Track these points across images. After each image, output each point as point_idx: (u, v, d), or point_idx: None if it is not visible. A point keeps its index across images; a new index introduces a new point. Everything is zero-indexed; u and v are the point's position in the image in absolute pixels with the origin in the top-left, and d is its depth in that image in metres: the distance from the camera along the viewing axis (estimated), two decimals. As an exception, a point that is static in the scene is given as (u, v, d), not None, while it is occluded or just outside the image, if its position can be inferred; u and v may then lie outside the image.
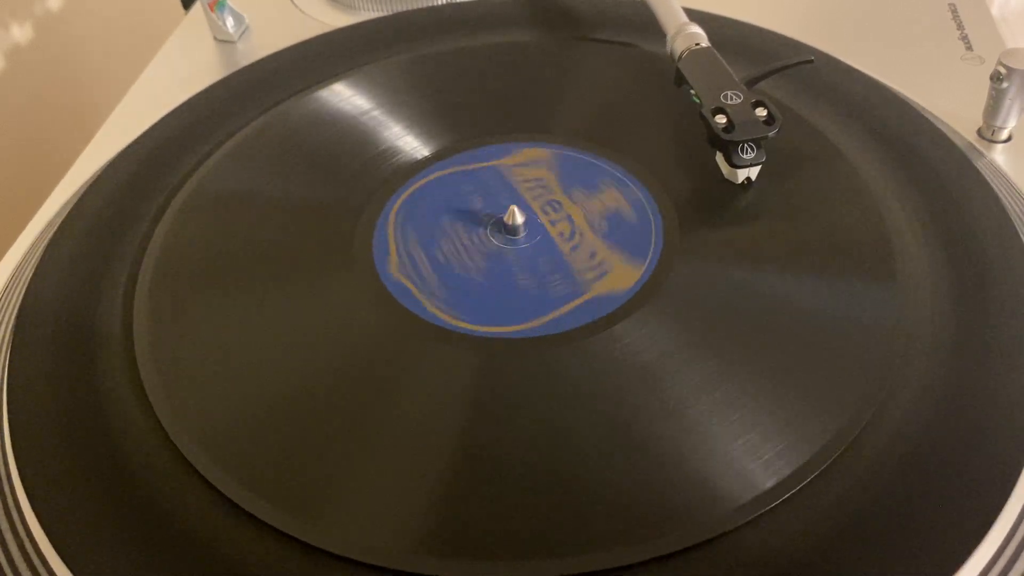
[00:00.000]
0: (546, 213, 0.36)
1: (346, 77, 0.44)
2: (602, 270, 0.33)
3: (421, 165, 0.39)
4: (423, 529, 0.26)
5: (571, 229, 0.35)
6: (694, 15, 0.43)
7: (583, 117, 0.41)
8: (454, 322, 0.32)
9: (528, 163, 0.38)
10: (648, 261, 0.33)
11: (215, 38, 0.52)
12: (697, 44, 0.39)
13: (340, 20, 0.52)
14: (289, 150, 0.40)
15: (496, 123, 0.41)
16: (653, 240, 0.33)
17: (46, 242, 0.37)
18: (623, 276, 0.33)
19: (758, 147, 0.35)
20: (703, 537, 0.26)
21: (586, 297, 0.32)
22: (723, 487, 0.26)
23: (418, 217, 0.36)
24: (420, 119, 0.41)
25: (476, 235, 0.36)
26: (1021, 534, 0.26)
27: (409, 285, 0.33)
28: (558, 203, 0.36)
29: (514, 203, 0.35)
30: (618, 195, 0.36)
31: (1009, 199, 0.36)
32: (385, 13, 0.51)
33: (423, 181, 0.38)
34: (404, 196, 0.37)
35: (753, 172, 0.36)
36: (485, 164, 0.38)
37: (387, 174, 0.39)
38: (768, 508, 0.26)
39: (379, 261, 0.35)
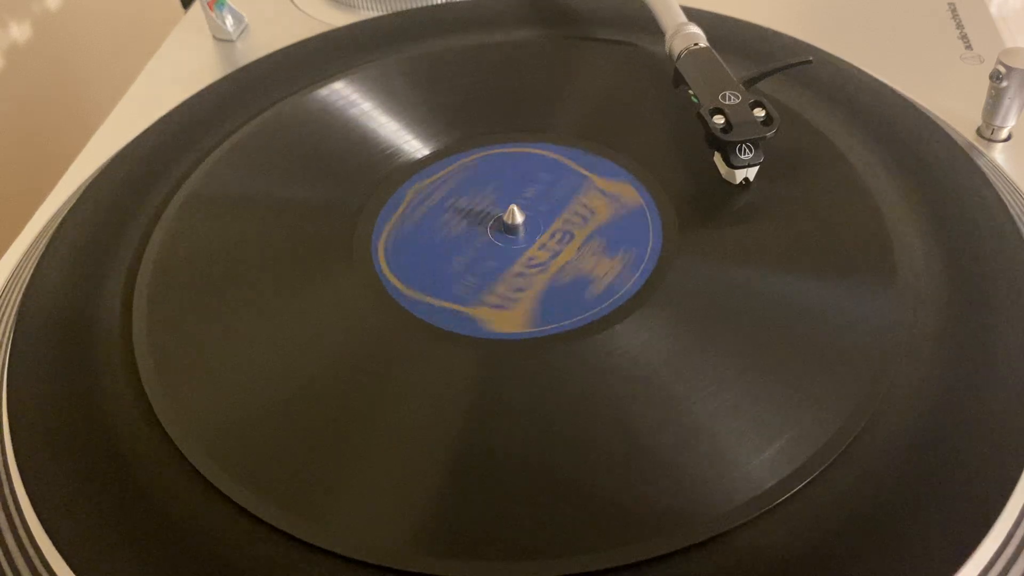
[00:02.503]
0: (552, 237, 0.35)
1: (346, 76, 0.44)
2: (506, 304, 0.33)
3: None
4: (423, 529, 0.26)
5: (543, 261, 0.34)
6: (693, 14, 0.43)
7: (583, 116, 0.41)
8: (404, 290, 0.32)
9: (609, 194, 0.37)
10: (535, 330, 0.31)
11: (214, 37, 0.52)
12: (696, 44, 0.39)
13: (340, 19, 0.52)
14: (288, 149, 0.40)
15: (496, 123, 0.41)
16: (565, 321, 0.32)
17: (46, 241, 0.37)
18: (509, 321, 0.32)
19: (756, 147, 0.35)
20: (703, 537, 0.26)
21: (465, 309, 0.32)
22: (723, 487, 0.26)
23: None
24: (420, 119, 0.41)
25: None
26: (1021, 534, 0.26)
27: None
28: (571, 237, 0.35)
29: (555, 214, 0.35)
30: (614, 271, 0.33)
31: (1009, 198, 0.36)
32: (385, 12, 0.51)
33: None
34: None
35: (751, 172, 0.36)
36: (577, 168, 0.38)
37: (387, 174, 0.39)
38: (768, 508, 0.26)
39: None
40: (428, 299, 0.33)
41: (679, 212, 0.36)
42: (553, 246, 0.35)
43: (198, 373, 0.31)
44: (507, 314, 0.32)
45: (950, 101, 0.42)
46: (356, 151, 0.40)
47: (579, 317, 0.32)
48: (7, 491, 0.29)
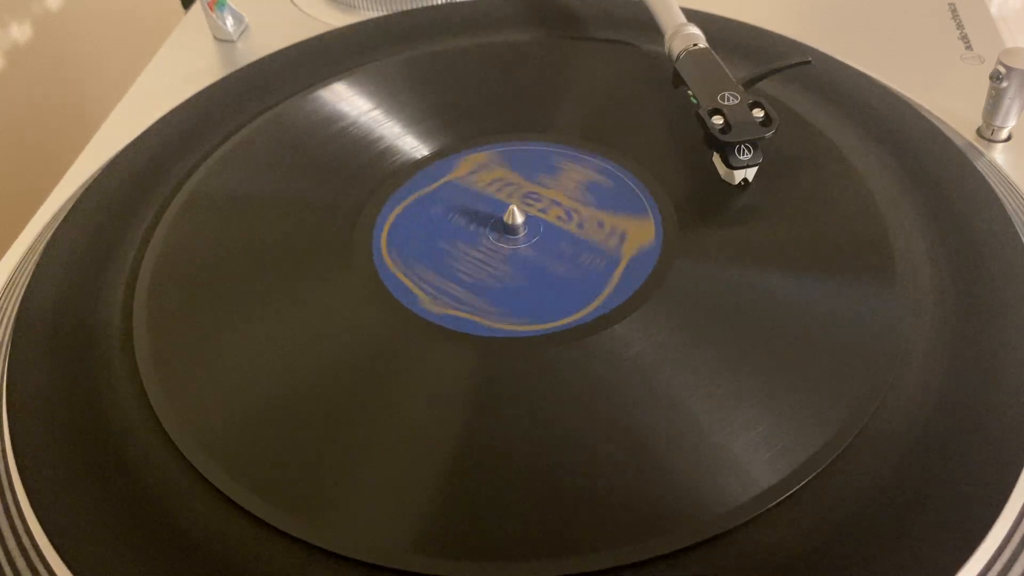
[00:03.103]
0: (530, 205, 0.36)
1: (346, 77, 0.44)
2: (620, 234, 0.34)
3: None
4: (423, 529, 0.26)
5: (564, 211, 0.35)
6: (693, 15, 0.43)
7: (583, 116, 0.41)
8: (507, 327, 0.32)
9: (477, 169, 0.38)
10: (652, 211, 0.33)
11: (215, 38, 0.52)
12: (695, 45, 0.39)
13: (340, 20, 0.52)
14: (289, 150, 0.40)
15: (496, 123, 0.41)
16: (642, 196, 0.34)
17: (46, 242, 0.37)
18: (642, 232, 0.33)
19: (755, 148, 0.35)
20: (703, 537, 0.26)
21: (624, 263, 0.32)
22: (723, 486, 0.26)
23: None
24: (420, 119, 0.41)
25: (476, 227, 0.36)
26: (1021, 534, 0.26)
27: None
28: (535, 194, 0.36)
29: (493, 208, 0.36)
30: (580, 168, 0.36)
31: (1009, 198, 0.36)
32: (385, 13, 0.52)
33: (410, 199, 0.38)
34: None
35: (750, 173, 0.36)
36: (440, 182, 0.38)
37: (387, 174, 0.39)
38: (768, 507, 0.26)
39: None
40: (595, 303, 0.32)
41: (679, 212, 0.36)
42: (558, 210, 0.36)
43: (198, 373, 0.31)
44: (632, 233, 0.33)
45: (950, 101, 0.42)
46: (356, 151, 0.40)
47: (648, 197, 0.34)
48: (7, 492, 0.29)
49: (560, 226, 0.35)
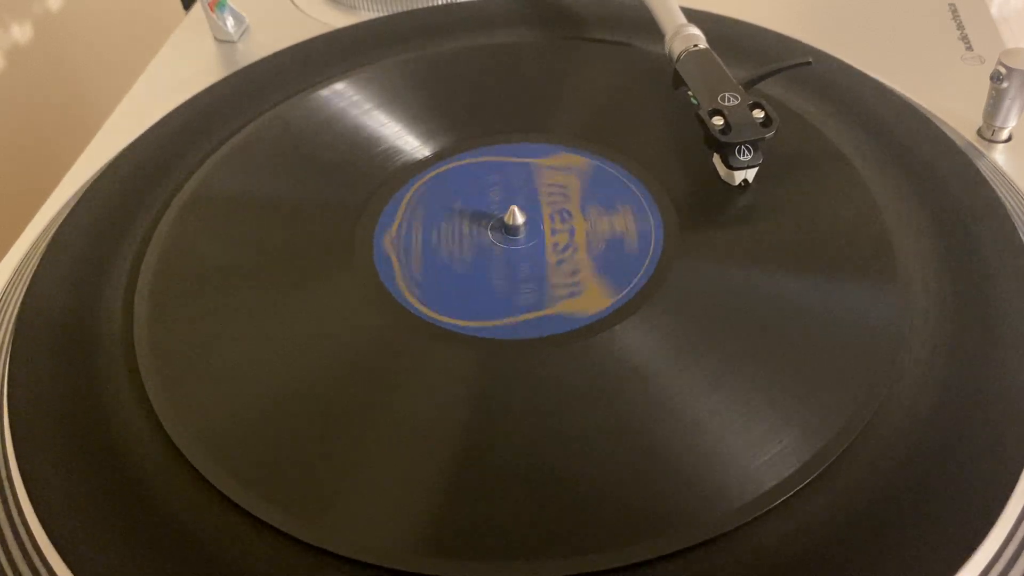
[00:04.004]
0: (552, 220, 0.36)
1: (347, 77, 0.44)
2: (575, 290, 0.33)
3: (443, 154, 0.39)
4: (424, 529, 0.26)
5: (567, 242, 0.35)
6: (694, 15, 0.43)
7: (584, 117, 0.41)
8: (418, 306, 0.32)
9: (561, 168, 0.38)
10: (622, 295, 0.32)
11: (215, 38, 0.52)
12: (695, 45, 0.39)
13: (340, 20, 0.52)
14: (290, 151, 0.40)
15: (496, 123, 0.41)
16: (639, 274, 0.33)
17: (47, 242, 0.37)
18: (591, 301, 0.32)
19: (755, 149, 0.35)
20: (703, 537, 0.26)
21: (547, 312, 0.32)
22: (723, 487, 0.27)
23: (435, 198, 0.37)
24: (420, 119, 0.41)
25: (476, 228, 0.36)
26: (1022, 534, 0.26)
27: (396, 265, 0.34)
28: (569, 213, 0.36)
29: (531, 204, 0.36)
30: (630, 220, 0.35)
31: (1009, 199, 0.36)
32: (385, 13, 0.52)
33: (451, 166, 0.38)
34: (431, 176, 0.38)
35: (750, 174, 0.36)
36: (519, 160, 0.38)
37: (387, 174, 0.39)
38: (768, 508, 0.26)
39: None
40: (497, 323, 0.32)
41: (679, 213, 0.36)
42: (562, 227, 0.35)
43: (199, 374, 0.31)
44: (586, 296, 0.32)
45: (951, 102, 0.42)
46: (357, 152, 0.40)
47: (645, 267, 0.33)
48: (8, 492, 0.29)
49: (546, 251, 0.35)
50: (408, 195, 0.38)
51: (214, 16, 0.51)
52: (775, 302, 0.32)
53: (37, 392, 0.31)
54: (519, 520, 0.26)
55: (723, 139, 0.35)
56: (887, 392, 0.29)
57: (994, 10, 0.49)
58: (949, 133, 0.39)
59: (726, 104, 0.36)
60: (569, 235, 0.35)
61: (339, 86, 0.43)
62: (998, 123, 0.39)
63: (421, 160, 0.39)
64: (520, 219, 0.35)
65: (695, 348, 0.31)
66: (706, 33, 0.41)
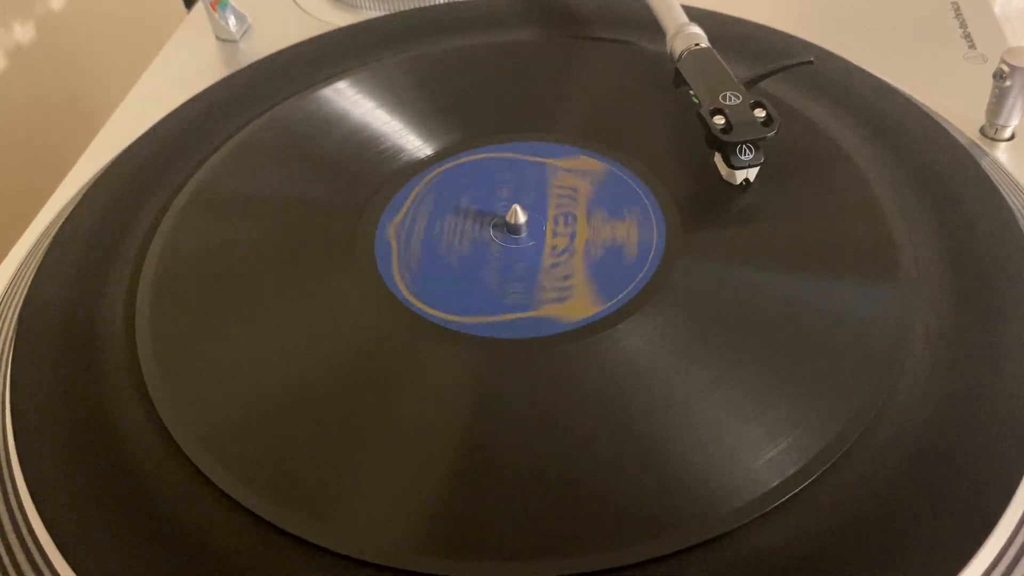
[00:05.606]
0: (556, 223, 0.36)
1: (348, 76, 0.44)
2: (564, 295, 0.33)
3: (457, 148, 0.39)
4: (424, 529, 0.26)
5: (566, 246, 0.35)
6: (695, 13, 0.43)
7: (584, 116, 0.41)
8: (406, 294, 0.33)
9: (576, 171, 0.38)
10: (608, 305, 0.32)
11: (217, 37, 0.52)
12: (697, 44, 0.39)
13: (342, 19, 0.52)
14: (291, 150, 0.40)
15: (497, 123, 0.41)
16: (631, 286, 0.33)
17: (48, 242, 0.37)
18: (577, 308, 0.32)
19: (756, 148, 0.35)
20: (705, 537, 0.26)
21: (531, 314, 0.32)
22: (724, 487, 0.26)
23: (445, 191, 0.37)
24: (422, 118, 0.41)
25: (479, 224, 0.36)
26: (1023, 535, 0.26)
27: (394, 251, 0.34)
28: (574, 217, 0.36)
29: (539, 205, 0.36)
30: (633, 229, 0.35)
31: (1012, 197, 0.36)
32: (387, 12, 0.51)
33: (465, 159, 0.38)
34: (445, 168, 0.38)
35: (752, 173, 0.36)
36: (535, 159, 0.38)
37: (389, 174, 0.39)
38: (769, 508, 0.26)
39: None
40: (483, 319, 0.32)
41: (681, 212, 0.36)
42: (564, 230, 0.35)
43: (201, 373, 0.31)
44: (572, 303, 0.32)
45: (953, 100, 0.42)
46: (358, 151, 0.40)
47: (637, 280, 0.33)
48: (10, 492, 0.29)
49: (543, 254, 0.35)
50: (418, 186, 0.38)
51: (216, 15, 0.51)
52: (776, 302, 0.32)
53: (39, 391, 0.31)
54: (519, 520, 0.26)
55: (725, 138, 0.35)
56: (888, 393, 0.29)
57: (997, 8, 0.49)
58: (952, 132, 0.39)
59: (727, 103, 0.36)
60: (569, 239, 0.35)
61: (341, 85, 0.43)
62: (1001, 121, 0.39)
63: (423, 159, 0.39)
64: (521, 218, 0.35)
65: (697, 348, 0.30)
66: (707, 32, 0.40)
